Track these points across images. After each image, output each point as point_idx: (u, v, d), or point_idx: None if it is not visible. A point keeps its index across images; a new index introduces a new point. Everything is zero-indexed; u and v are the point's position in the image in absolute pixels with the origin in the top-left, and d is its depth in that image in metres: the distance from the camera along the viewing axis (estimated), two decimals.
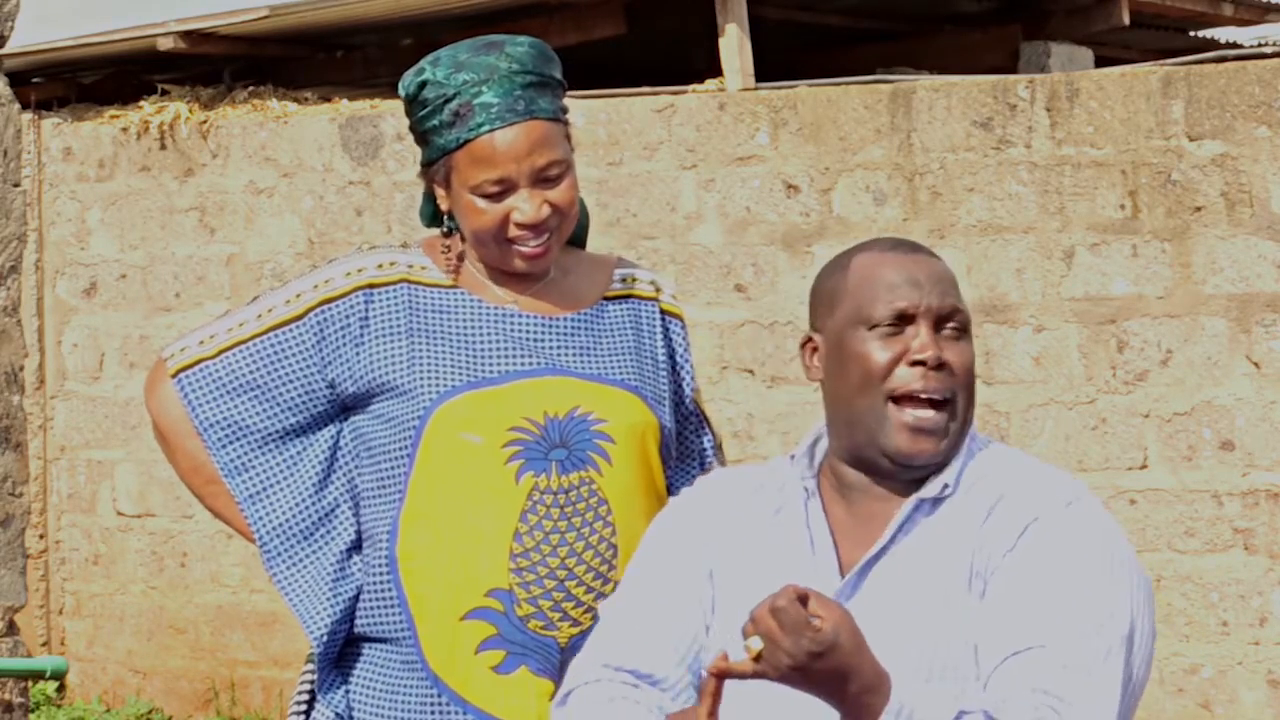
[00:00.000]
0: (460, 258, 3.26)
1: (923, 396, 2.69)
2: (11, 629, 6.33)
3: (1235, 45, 9.45)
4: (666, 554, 2.87)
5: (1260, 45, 9.12)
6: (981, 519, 2.69)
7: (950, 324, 2.71)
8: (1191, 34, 10.08)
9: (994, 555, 2.66)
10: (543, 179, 3.16)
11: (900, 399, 2.69)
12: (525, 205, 3.15)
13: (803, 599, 2.46)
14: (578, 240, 3.36)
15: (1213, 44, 9.85)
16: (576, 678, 2.84)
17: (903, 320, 2.71)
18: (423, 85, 3.19)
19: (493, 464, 3.12)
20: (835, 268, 2.79)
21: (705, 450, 3.41)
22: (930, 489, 2.71)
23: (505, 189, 3.15)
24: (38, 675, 6.00)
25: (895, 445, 2.70)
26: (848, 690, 2.47)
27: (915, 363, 2.69)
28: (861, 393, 2.71)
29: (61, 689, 8.70)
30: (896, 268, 2.72)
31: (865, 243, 2.81)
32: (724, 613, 2.80)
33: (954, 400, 2.70)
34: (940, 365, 2.69)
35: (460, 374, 3.16)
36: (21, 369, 6.27)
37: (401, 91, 3.26)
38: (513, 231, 3.17)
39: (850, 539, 2.75)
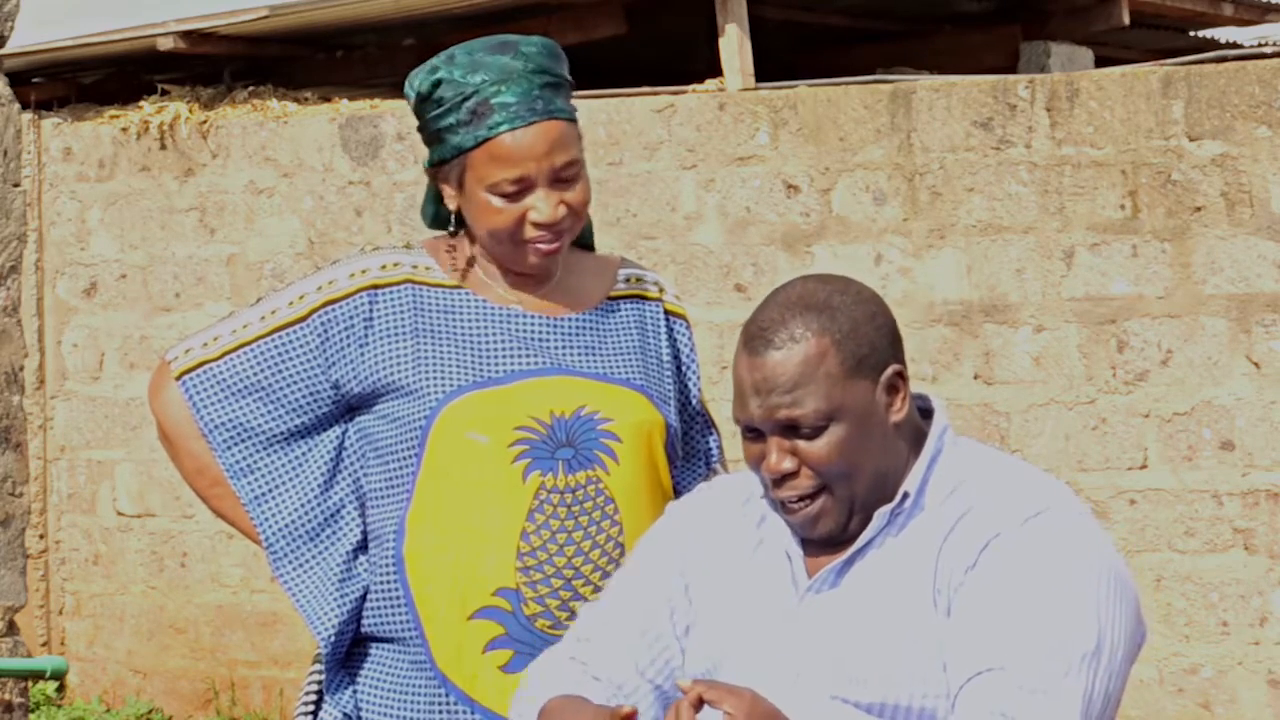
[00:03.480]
0: (470, 261, 3.26)
1: (790, 507, 2.73)
2: (11, 629, 6.33)
3: (1235, 45, 9.45)
4: (647, 565, 2.91)
5: (1260, 45, 9.12)
6: (946, 533, 2.69)
7: (799, 429, 2.69)
8: (1191, 34, 10.08)
9: (956, 571, 2.66)
10: (559, 179, 3.16)
11: (779, 503, 2.74)
12: (542, 205, 3.16)
13: (699, 702, 2.50)
14: (584, 241, 3.37)
15: (1213, 44, 9.84)
16: (540, 664, 2.90)
17: (754, 431, 2.73)
18: (438, 84, 3.18)
19: (499, 463, 3.12)
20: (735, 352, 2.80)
21: (711, 450, 3.43)
22: (892, 503, 2.73)
23: (523, 188, 3.15)
24: (38, 675, 6.00)
25: (800, 534, 2.75)
26: None
27: (769, 476, 2.72)
28: (762, 484, 2.78)
29: (61, 689, 8.70)
30: (744, 371, 2.72)
31: (756, 309, 2.78)
32: (703, 619, 2.84)
33: (826, 486, 2.70)
34: (787, 475, 2.70)
35: (466, 374, 3.17)
36: (21, 369, 6.28)
37: (410, 90, 3.24)
38: (529, 232, 3.17)
39: (826, 549, 2.77)
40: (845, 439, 2.69)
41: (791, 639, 2.72)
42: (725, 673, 2.75)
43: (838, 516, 2.72)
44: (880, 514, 2.72)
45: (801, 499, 2.71)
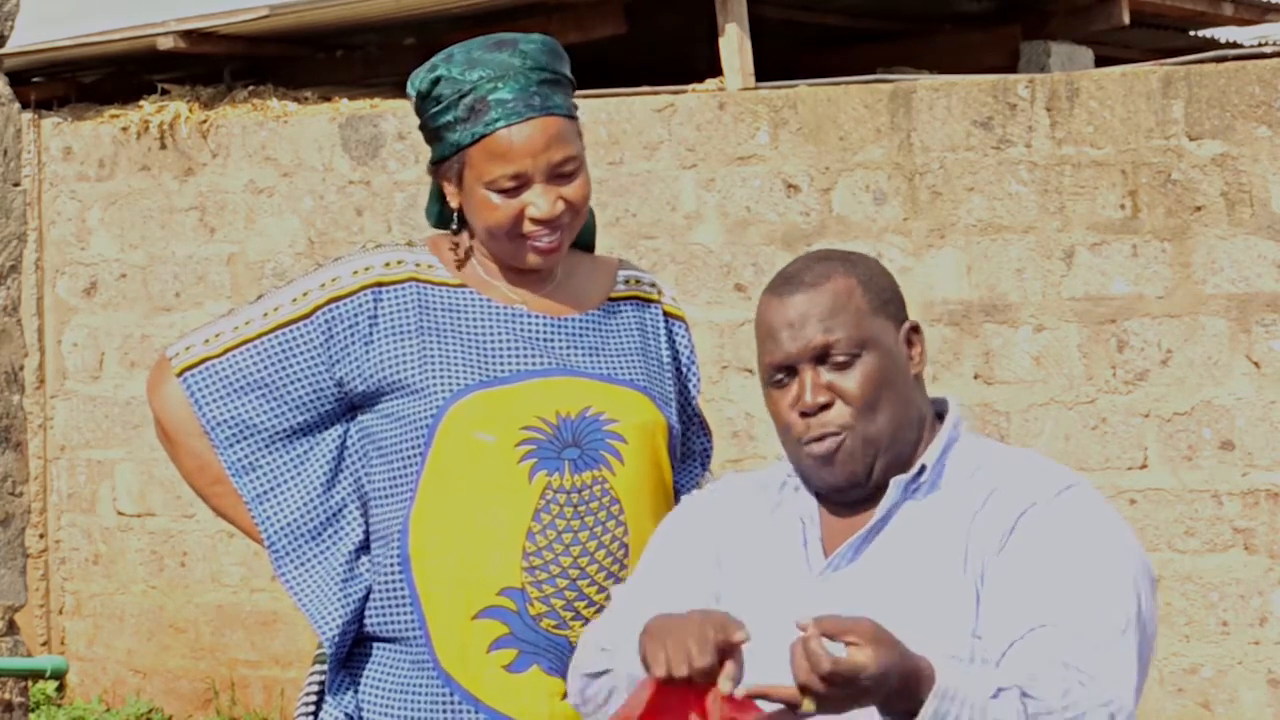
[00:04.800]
0: (468, 254, 3.27)
1: (820, 438, 2.77)
2: (11, 628, 6.32)
3: (1235, 45, 9.46)
4: (677, 543, 2.94)
5: (1260, 45, 9.12)
6: (976, 507, 2.74)
7: (833, 356, 2.76)
8: (1191, 34, 10.08)
9: (990, 542, 2.70)
10: (557, 175, 3.17)
11: (807, 441, 2.78)
12: (540, 201, 3.16)
13: (829, 635, 2.49)
14: (585, 244, 3.37)
15: (1213, 44, 9.85)
16: (583, 646, 2.92)
17: (787, 370, 2.79)
18: (436, 81, 3.19)
19: (506, 463, 3.12)
20: (757, 309, 2.87)
21: (707, 450, 3.44)
22: (909, 473, 2.78)
23: (520, 184, 3.16)
24: (38, 675, 6.00)
25: (823, 482, 2.80)
26: (907, 686, 2.51)
27: (802, 413, 2.77)
28: (784, 441, 2.83)
29: (61, 689, 8.70)
30: (775, 313, 2.80)
31: (775, 276, 2.87)
32: (725, 600, 2.85)
33: (852, 424, 2.76)
34: (822, 408, 2.76)
35: (472, 373, 3.16)
36: (21, 368, 6.28)
37: (411, 89, 3.25)
38: (527, 227, 3.17)
39: (841, 528, 2.80)
40: (876, 370, 2.77)
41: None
42: (747, 655, 2.76)
43: (863, 459, 2.76)
44: (896, 483, 2.76)
45: (831, 435, 2.76)
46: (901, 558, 2.73)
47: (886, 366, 2.78)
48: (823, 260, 2.84)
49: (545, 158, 3.15)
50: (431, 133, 3.23)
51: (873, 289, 2.81)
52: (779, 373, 2.79)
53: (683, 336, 3.40)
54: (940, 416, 2.87)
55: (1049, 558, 2.65)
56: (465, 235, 3.27)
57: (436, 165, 3.25)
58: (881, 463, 2.77)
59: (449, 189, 3.25)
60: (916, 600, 2.69)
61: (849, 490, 2.78)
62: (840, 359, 2.76)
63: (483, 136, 3.16)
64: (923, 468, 2.78)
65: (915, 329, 2.85)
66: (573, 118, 3.21)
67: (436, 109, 3.20)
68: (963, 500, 2.75)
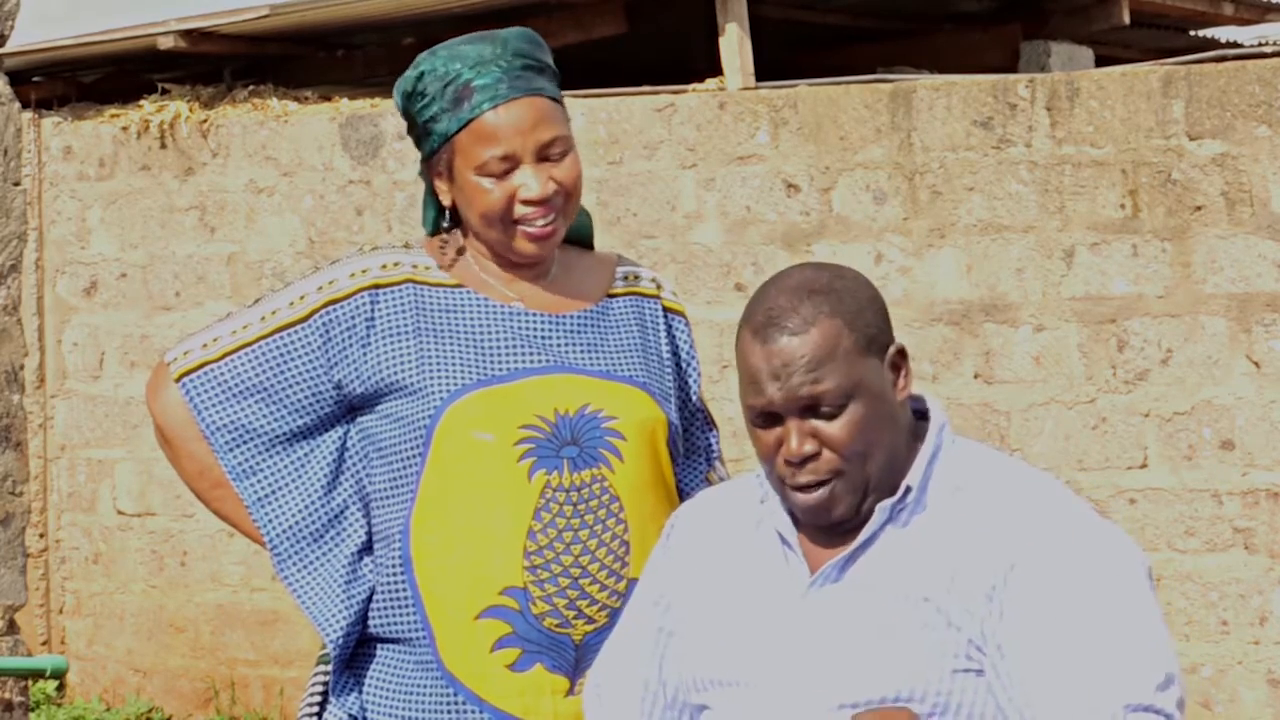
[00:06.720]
0: (459, 251, 3.27)
1: (807, 486, 2.71)
2: (11, 628, 6.33)
3: (1235, 45, 9.46)
4: (633, 619, 2.94)
5: (1260, 45, 9.12)
6: (958, 539, 2.69)
7: (821, 409, 2.69)
8: (1191, 33, 10.09)
9: (977, 596, 2.65)
10: (546, 156, 3.17)
11: (795, 488, 2.72)
12: (531, 181, 3.16)
13: None
14: (583, 240, 3.37)
15: (1213, 43, 9.85)
16: None
17: (770, 417, 2.72)
18: (421, 76, 3.21)
19: (505, 462, 3.12)
20: (737, 332, 2.80)
21: (711, 446, 3.43)
22: (894, 497, 2.72)
23: (510, 165, 3.16)
24: (38, 674, 6.00)
25: (806, 519, 2.74)
26: None
27: (787, 461, 2.71)
28: (767, 470, 2.77)
29: (61, 688, 8.70)
30: (760, 359, 2.72)
31: (754, 300, 2.80)
32: (696, 633, 2.83)
33: (842, 469, 2.70)
34: (808, 458, 2.69)
35: (470, 372, 3.17)
36: (22, 368, 6.28)
37: (398, 94, 3.26)
38: (519, 210, 3.18)
39: (822, 545, 2.77)
40: (864, 417, 2.69)
41: (796, 637, 2.72)
42: (730, 682, 2.75)
43: (852, 500, 2.71)
44: (882, 507, 2.71)
45: (820, 483, 2.70)
46: (885, 580, 2.69)
47: (875, 409, 2.70)
48: (808, 297, 2.72)
49: (534, 137, 3.16)
50: (421, 129, 3.24)
51: (859, 327, 2.71)
52: (764, 415, 2.72)
53: (682, 331, 3.40)
54: (919, 415, 2.81)
55: (1054, 625, 2.60)
56: (457, 233, 3.28)
57: (427, 162, 3.25)
58: (872, 499, 2.72)
59: (440, 186, 3.25)
60: (899, 624, 2.66)
61: (836, 526, 2.74)
62: (827, 410, 2.68)
63: (469, 121, 3.16)
64: (908, 489, 2.72)
65: (901, 352, 2.76)
66: (558, 101, 3.22)
67: (423, 103, 3.21)
68: (945, 525, 2.71)
